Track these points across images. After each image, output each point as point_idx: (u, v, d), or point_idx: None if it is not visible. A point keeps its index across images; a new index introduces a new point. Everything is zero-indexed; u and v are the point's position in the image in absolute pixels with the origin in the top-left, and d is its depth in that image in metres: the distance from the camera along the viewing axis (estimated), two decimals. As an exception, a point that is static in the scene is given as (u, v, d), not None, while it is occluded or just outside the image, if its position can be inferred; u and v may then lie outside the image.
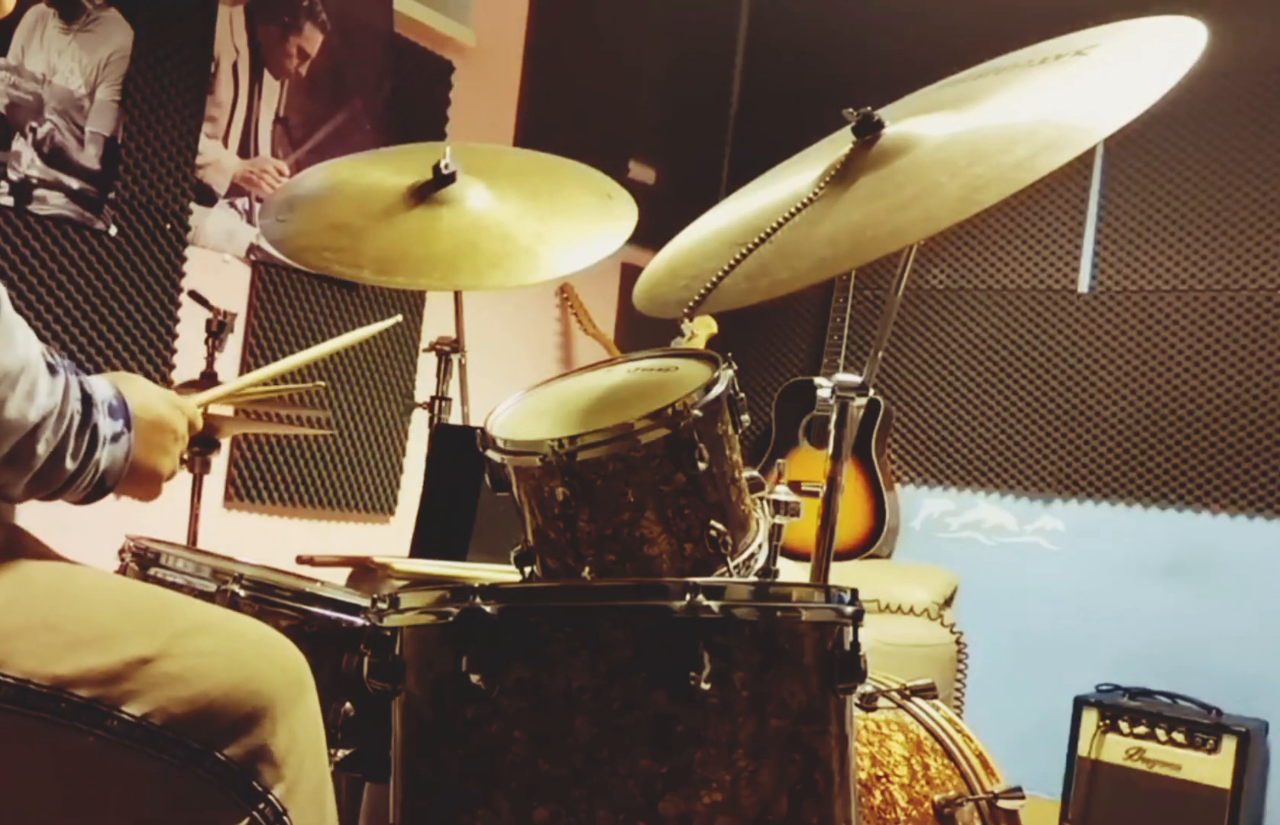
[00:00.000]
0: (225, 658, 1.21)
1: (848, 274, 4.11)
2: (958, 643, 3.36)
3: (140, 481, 1.32)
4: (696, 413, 1.40)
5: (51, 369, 1.16)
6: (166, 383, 2.90)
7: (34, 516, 1.32)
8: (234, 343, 3.07)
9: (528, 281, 2.13)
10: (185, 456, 1.41)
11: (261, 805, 1.18)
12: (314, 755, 1.25)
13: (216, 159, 3.10)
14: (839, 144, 1.62)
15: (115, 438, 1.25)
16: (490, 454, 1.47)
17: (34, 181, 2.71)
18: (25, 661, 1.14)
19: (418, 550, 2.18)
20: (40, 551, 1.25)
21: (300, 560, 2.09)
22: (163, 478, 1.35)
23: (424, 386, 2.60)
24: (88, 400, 1.21)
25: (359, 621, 1.48)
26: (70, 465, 1.19)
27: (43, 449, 1.15)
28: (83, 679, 1.14)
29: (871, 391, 1.59)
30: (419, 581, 1.83)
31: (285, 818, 1.20)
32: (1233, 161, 3.91)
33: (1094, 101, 1.43)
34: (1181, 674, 3.73)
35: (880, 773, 1.59)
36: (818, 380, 1.58)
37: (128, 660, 1.16)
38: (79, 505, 1.26)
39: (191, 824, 1.17)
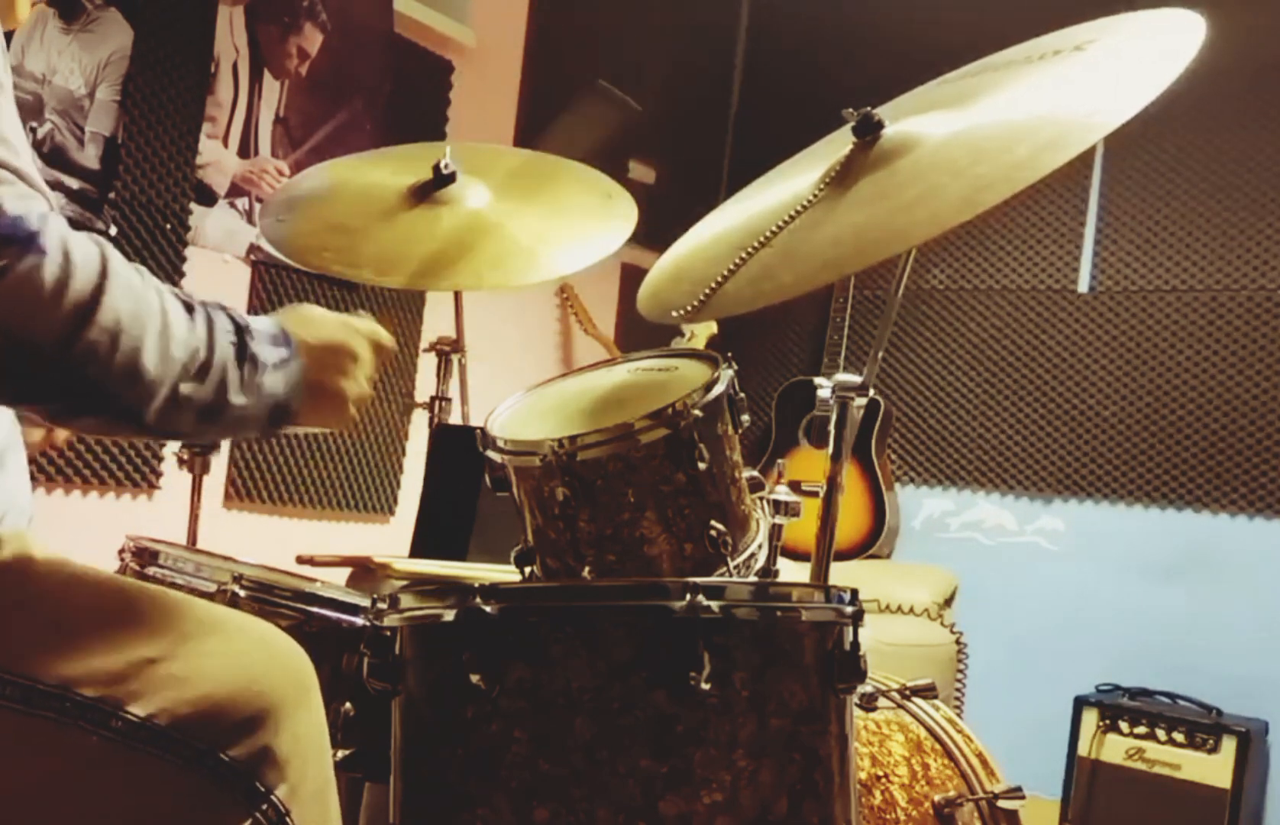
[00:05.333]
0: (230, 659, 1.21)
1: (848, 276, 4.11)
2: (958, 643, 3.36)
3: (323, 407, 1.29)
4: (696, 413, 1.40)
5: (189, 308, 1.16)
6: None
7: (36, 518, 1.32)
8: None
9: (528, 281, 2.13)
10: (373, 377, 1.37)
11: (264, 806, 1.18)
12: (317, 756, 1.25)
13: (216, 159, 3.10)
14: (839, 144, 1.62)
15: (280, 363, 1.22)
16: (490, 454, 1.47)
17: (34, 181, 2.71)
18: (31, 661, 1.14)
19: (418, 550, 2.18)
20: (46, 553, 1.25)
21: (300, 560, 2.09)
22: (348, 399, 1.31)
23: (424, 386, 2.60)
24: (241, 330, 1.20)
25: (359, 621, 1.48)
26: (238, 399, 1.18)
27: (197, 389, 1.14)
28: (88, 679, 1.14)
29: (871, 391, 1.59)
30: (419, 581, 1.83)
31: (288, 819, 1.20)
32: (1233, 161, 3.92)
33: (1095, 97, 1.43)
34: (1181, 674, 3.73)
35: (880, 773, 1.59)
36: (818, 380, 1.58)
37: (133, 661, 1.16)
38: (265, 439, 1.25)
39: (194, 824, 1.17)
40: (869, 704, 1.65)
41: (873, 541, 4.08)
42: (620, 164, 4.05)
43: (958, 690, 3.33)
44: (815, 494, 1.58)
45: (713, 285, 1.51)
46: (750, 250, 1.52)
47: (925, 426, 4.34)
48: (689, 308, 1.51)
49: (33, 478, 1.30)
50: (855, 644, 1.28)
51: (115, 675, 1.15)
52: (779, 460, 1.64)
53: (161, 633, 1.19)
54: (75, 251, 1.06)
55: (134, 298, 1.10)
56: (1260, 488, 3.81)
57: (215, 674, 1.19)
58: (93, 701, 1.14)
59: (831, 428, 1.58)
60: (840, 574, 1.52)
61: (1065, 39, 1.60)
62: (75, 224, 1.10)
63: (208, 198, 3.09)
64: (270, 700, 1.20)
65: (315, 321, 1.30)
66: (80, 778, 1.15)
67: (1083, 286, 4.14)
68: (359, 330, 1.34)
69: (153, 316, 1.11)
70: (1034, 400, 4.16)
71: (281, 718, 1.20)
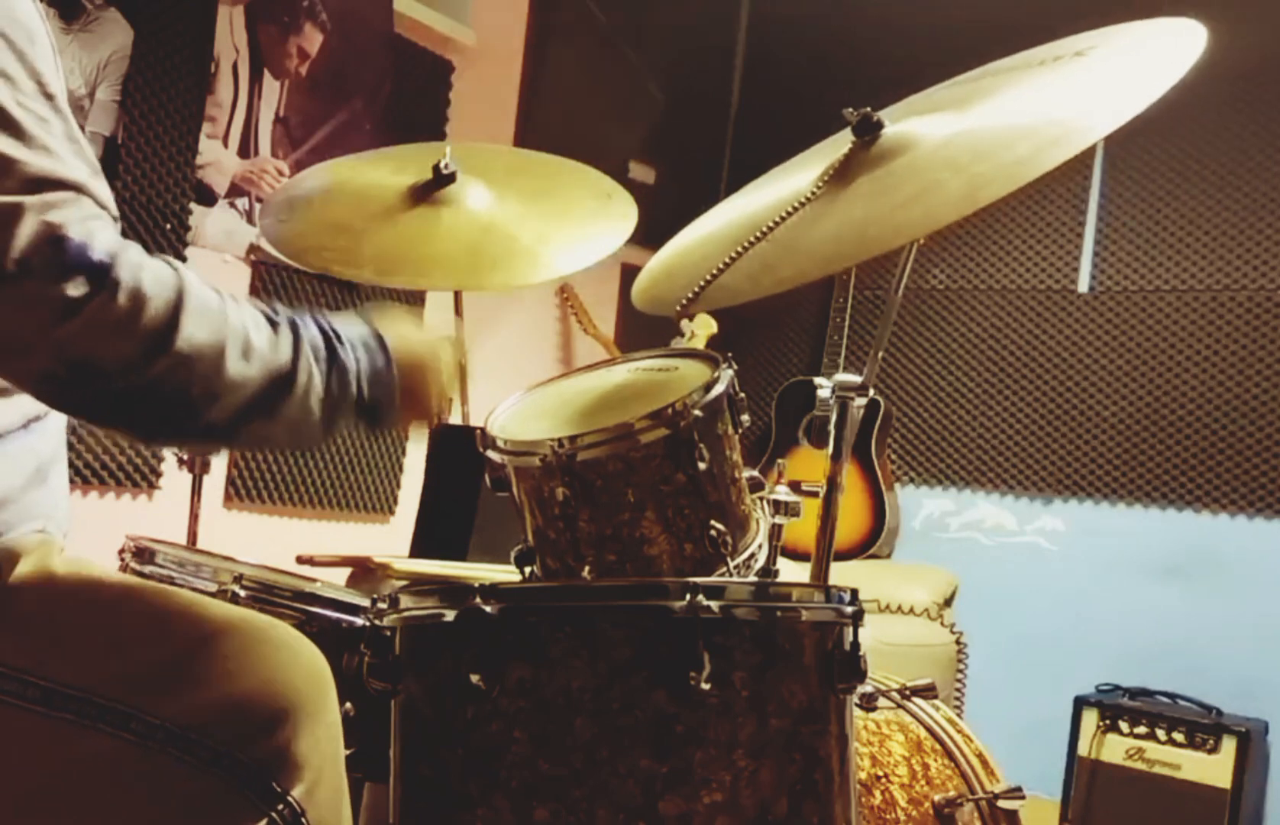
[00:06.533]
0: (249, 661, 1.21)
1: (848, 273, 4.12)
2: (958, 643, 3.36)
3: (409, 412, 1.34)
4: (696, 413, 1.39)
5: (274, 323, 1.17)
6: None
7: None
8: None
9: (528, 281, 2.13)
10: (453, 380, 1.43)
11: (280, 806, 1.19)
12: (333, 758, 1.27)
13: (216, 159, 3.10)
14: (839, 144, 1.62)
15: (375, 372, 1.26)
16: (490, 454, 1.47)
17: (34, 181, 2.71)
18: (52, 665, 1.15)
19: (418, 550, 2.19)
20: (69, 558, 1.26)
21: (300, 560, 2.09)
22: (431, 409, 1.37)
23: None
24: (330, 340, 1.21)
25: (359, 621, 1.48)
26: (317, 409, 1.19)
27: (283, 403, 1.16)
28: (108, 681, 1.16)
29: (871, 391, 1.59)
30: (419, 581, 1.83)
31: (303, 819, 1.21)
32: (1233, 161, 3.92)
33: (1095, 100, 1.43)
34: (1181, 674, 3.73)
35: (880, 773, 1.59)
36: (818, 380, 1.58)
37: (153, 663, 1.17)
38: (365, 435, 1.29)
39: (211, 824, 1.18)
40: (869, 704, 1.65)
41: (873, 541, 4.07)
42: (620, 164, 4.05)
43: (958, 690, 3.33)
44: (815, 494, 1.58)
45: (709, 276, 1.51)
46: (748, 243, 1.52)
47: (925, 426, 4.34)
48: (686, 298, 1.51)
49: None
50: (855, 644, 1.28)
51: (135, 678, 1.17)
52: (779, 460, 1.63)
53: (182, 636, 1.20)
54: (147, 281, 1.07)
55: (210, 322, 1.10)
56: (1260, 488, 3.81)
57: (234, 676, 1.20)
58: (113, 703, 1.15)
59: (831, 428, 1.58)
60: (840, 574, 1.52)
61: (1065, 46, 1.60)
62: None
63: (208, 198, 3.09)
64: (289, 702, 1.21)
65: (405, 330, 1.34)
66: (100, 779, 1.16)
67: (1083, 286, 4.14)
68: (440, 339, 1.39)
69: (233, 338, 1.12)
70: (1034, 400, 4.16)
71: (300, 719, 1.21)
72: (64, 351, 1.04)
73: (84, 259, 1.04)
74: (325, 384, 1.20)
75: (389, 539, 3.50)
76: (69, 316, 1.03)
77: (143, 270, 1.07)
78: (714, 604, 1.19)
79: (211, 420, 1.12)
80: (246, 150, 3.17)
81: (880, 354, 1.61)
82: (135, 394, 1.08)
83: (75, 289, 1.03)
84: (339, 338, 1.23)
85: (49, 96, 1.09)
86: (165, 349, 1.07)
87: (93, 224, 1.06)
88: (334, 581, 1.65)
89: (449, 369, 1.40)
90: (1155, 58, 1.45)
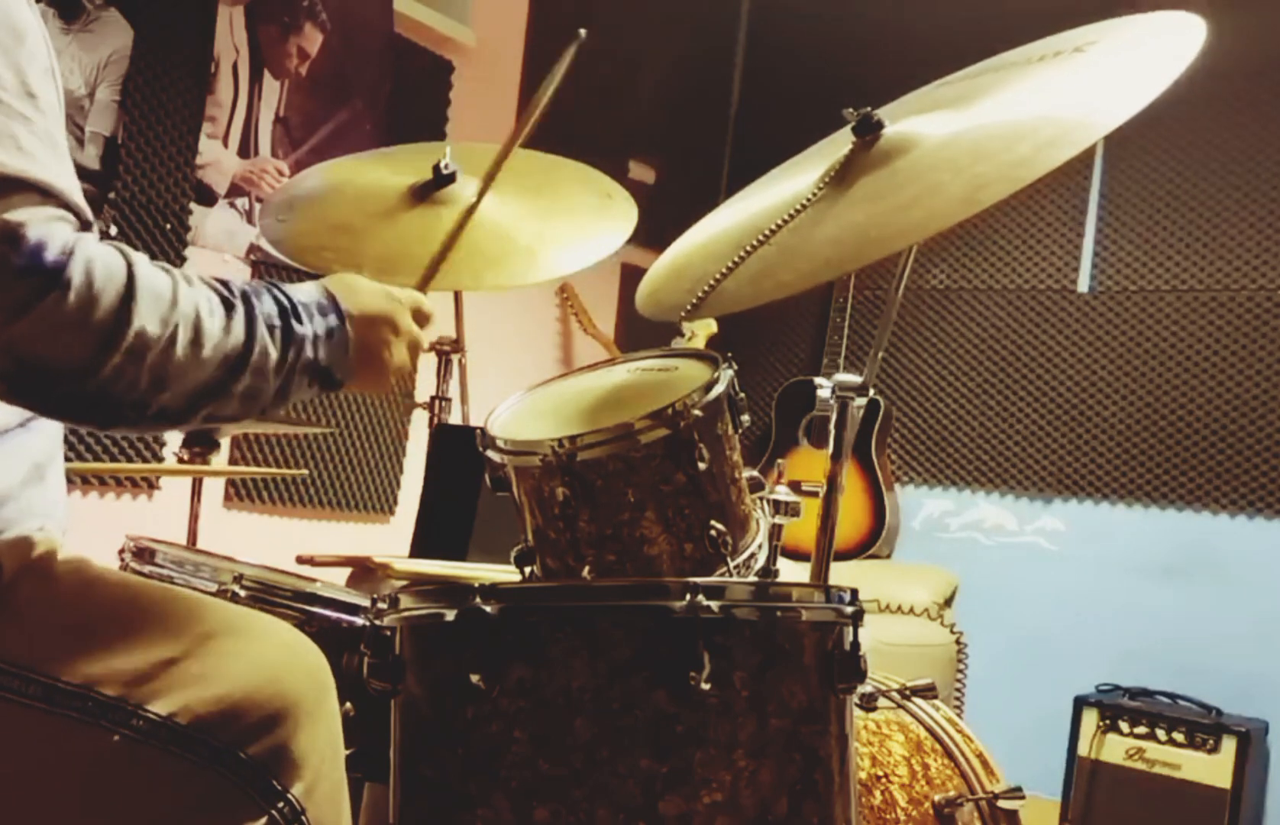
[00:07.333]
0: (251, 658, 1.22)
1: (848, 274, 4.12)
2: (958, 643, 3.36)
3: (366, 376, 1.30)
4: (697, 413, 1.39)
5: (227, 304, 1.15)
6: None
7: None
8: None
9: (527, 281, 2.13)
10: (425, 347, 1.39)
11: (280, 804, 1.20)
12: (333, 756, 1.27)
13: (216, 159, 3.10)
14: (839, 144, 1.62)
15: (329, 334, 1.23)
16: (490, 454, 1.47)
17: (34, 181, 2.71)
18: (53, 661, 1.15)
19: (418, 550, 2.18)
20: (69, 556, 1.26)
21: (300, 560, 2.09)
22: (390, 370, 1.33)
23: (424, 386, 2.62)
24: (285, 312, 1.19)
25: (359, 621, 1.48)
26: (272, 383, 1.18)
27: (235, 382, 1.15)
28: (109, 678, 1.16)
29: (871, 391, 1.59)
30: (419, 581, 1.83)
31: (303, 817, 1.21)
32: (1233, 161, 3.92)
33: (1095, 97, 1.43)
34: (1181, 674, 3.73)
35: (880, 773, 1.59)
36: (818, 380, 1.58)
37: (154, 660, 1.18)
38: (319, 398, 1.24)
39: (211, 822, 1.18)
40: (869, 704, 1.65)
41: (873, 541, 4.08)
42: (620, 164, 4.05)
43: (958, 690, 3.33)
44: (815, 494, 1.58)
45: (711, 282, 1.51)
46: (749, 248, 1.52)
47: (925, 426, 4.34)
48: (689, 306, 1.52)
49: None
50: (855, 644, 1.28)
51: (136, 674, 1.17)
52: (779, 460, 1.63)
53: (182, 632, 1.20)
54: (98, 275, 1.05)
55: (160, 312, 1.09)
56: (1260, 488, 3.81)
57: (235, 673, 1.20)
58: (114, 700, 1.15)
59: (831, 428, 1.58)
60: (840, 574, 1.52)
61: (1065, 41, 1.60)
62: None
63: (208, 198, 3.09)
64: (289, 700, 1.21)
65: (361, 291, 1.31)
66: (101, 775, 1.16)
67: (1083, 286, 4.14)
68: (401, 301, 1.35)
69: (183, 325, 1.11)
70: (1034, 400, 4.16)
71: (300, 717, 1.22)
72: (15, 350, 1.04)
73: (38, 259, 1.03)
74: (280, 357, 1.18)
75: (389, 539, 3.50)
76: (19, 315, 1.02)
77: (94, 265, 1.05)
78: (714, 604, 1.19)
79: (164, 407, 1.11)
80: (246, 150, 3.17)
81: (880, 354, 1.61)
82: (88, 390, 1.07)
83: (27, 289, 1.02)
84: (294, 306, 1.21)
85: (31, 95, 1.08)
86: (116, 345, 1.06)
87: (53, 225, 1.05)
88: (334, 581, 1.65)
89: (410, 331, 1.35)
90: (1155, 53, 1.44)
